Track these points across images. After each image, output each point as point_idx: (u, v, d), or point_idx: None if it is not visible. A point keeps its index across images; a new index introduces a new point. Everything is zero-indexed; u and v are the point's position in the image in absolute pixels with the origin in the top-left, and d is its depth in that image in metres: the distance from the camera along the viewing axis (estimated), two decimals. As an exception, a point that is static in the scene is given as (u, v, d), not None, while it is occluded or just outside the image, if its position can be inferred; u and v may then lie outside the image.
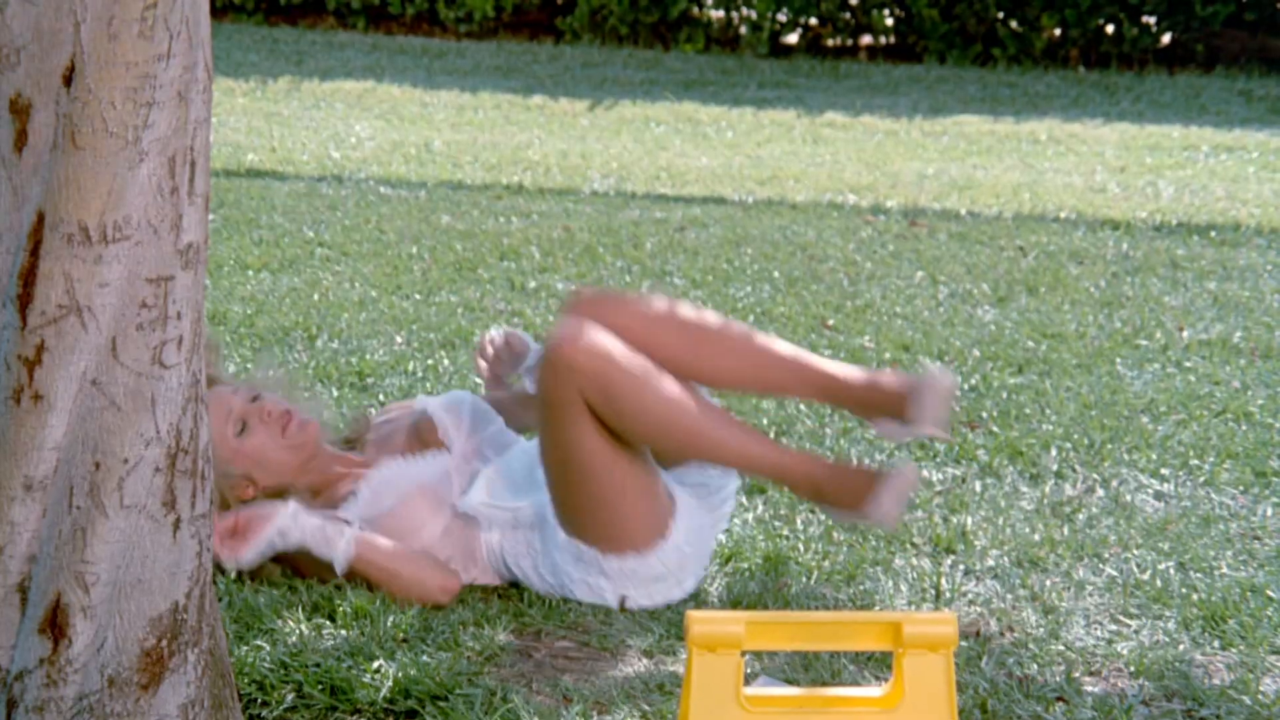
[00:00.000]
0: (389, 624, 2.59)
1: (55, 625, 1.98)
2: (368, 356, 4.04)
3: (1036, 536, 3.03)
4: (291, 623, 2.58)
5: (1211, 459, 3.46)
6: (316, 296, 4.57)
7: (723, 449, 2.64)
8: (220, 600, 2.61)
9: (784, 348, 2.72)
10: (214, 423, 2.75)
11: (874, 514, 2.63)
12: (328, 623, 2.60)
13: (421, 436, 2.87)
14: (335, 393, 3.79)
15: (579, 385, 2.59)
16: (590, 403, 2.60)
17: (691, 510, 2.75)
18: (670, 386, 2.63)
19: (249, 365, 3.95)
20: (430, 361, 4.03)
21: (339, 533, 2.69)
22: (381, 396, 3.78)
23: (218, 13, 10.67)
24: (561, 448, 2.65)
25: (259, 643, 2.49)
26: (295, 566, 2.74)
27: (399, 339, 4.21)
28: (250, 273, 4.81)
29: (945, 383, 2.66)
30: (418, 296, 4.62)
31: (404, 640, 2.56)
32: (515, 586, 2.79)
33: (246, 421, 2.79)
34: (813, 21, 9.99)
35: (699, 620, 1.82)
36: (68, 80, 1.92)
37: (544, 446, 2.68)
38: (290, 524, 2.67)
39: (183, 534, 2.04)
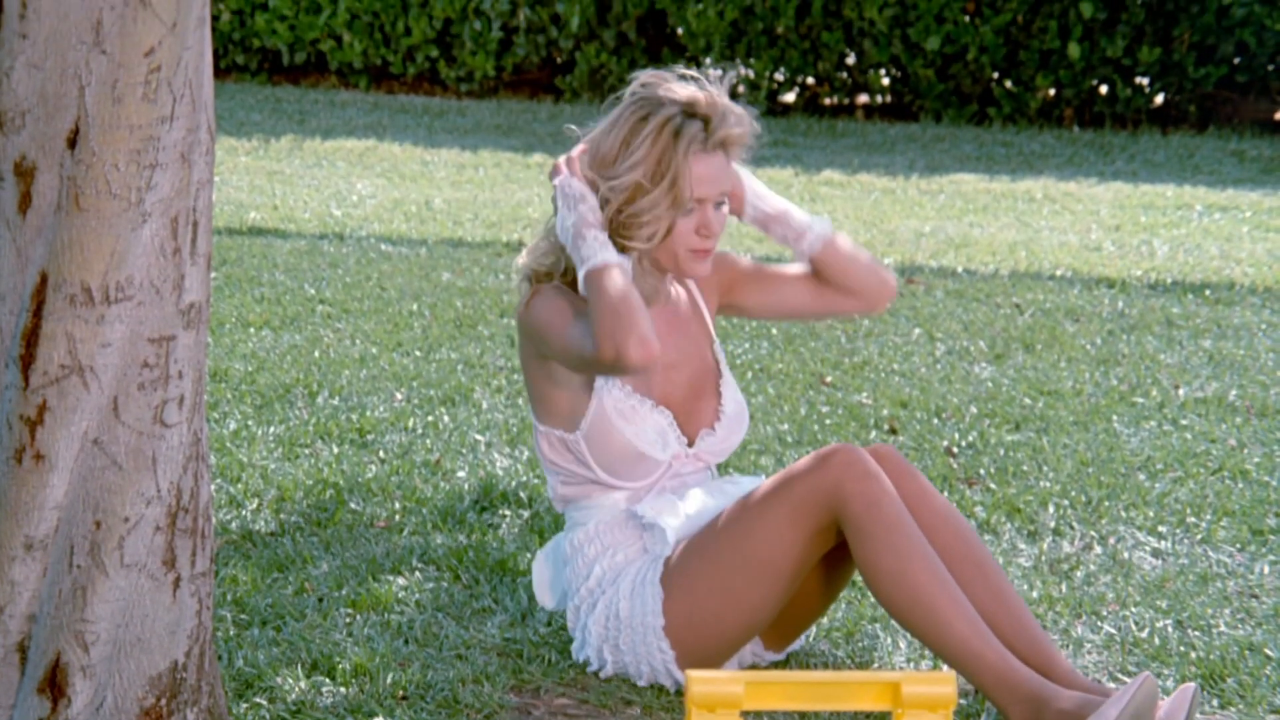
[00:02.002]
0: (388, 681, 2.59)
1: (55, 684, 1.98)
2: (368, 413, 4.05)
3: (1035, 594, 3.04)
4: (290, 680, 2.58)
5: (1208, 516, 3.47)
6: (317, 353, 4.59)
7: (949, 630, 2.46)
8: (220, 658, 2.61)
9: (1025, 613, 2.57)
10: (698, 169, 2.60)
11: None
12: (327, 680, 2.60)
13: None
14: (335, 449, 3.80)
15: (848, 491, 2.50)
16: (849, 513, 2.50)
17: None
18: (931, 551, 2.52)
19: (249, 423, 3.96)
20: (431, 418, 4.04)
21: (606, 246, 2.58)
22: (381, 453, 3.79)
23: (221, 73, 10.75)
24: (747, 524, 2.55)
25: (258, 700, 2.49)
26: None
27: (399, 396, 4.22)
28: (252, 330, 4.83)
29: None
30: (418, 353, 4.64)
31: (403, 698, 2.56)
32: (511, 641, 2.79)
33: (698, 211, 2.63)
34: (810, 80, 10.06)
35: (698, 680, 1.82)
36: (72, 143, 1.95)
37: (737, 509, 2.58)
38: (576, 188, 2.61)
39: (183, 592, 2.04)
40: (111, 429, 1.97)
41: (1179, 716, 2.38)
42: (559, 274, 2.69)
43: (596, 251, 2.58)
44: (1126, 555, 3.26)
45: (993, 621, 2.56)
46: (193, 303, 2.02)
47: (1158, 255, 6.39)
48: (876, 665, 2.76)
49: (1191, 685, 2.42)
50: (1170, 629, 2.89)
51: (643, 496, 2.70)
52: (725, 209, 2.68)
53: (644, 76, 2.69)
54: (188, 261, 2.01)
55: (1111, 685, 2.64)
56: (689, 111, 2.64)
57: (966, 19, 9.54)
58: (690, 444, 2.73)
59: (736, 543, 2.57)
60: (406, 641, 2.78)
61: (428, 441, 3.88)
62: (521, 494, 3.54)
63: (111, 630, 1.97)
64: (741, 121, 2.67)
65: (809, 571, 2.63)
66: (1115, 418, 4.16)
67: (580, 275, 2.59)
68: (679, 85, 2.67)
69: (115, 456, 1.97)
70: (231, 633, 2.76)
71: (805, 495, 2.54)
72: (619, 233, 2.64)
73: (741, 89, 9.98)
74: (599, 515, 2.70)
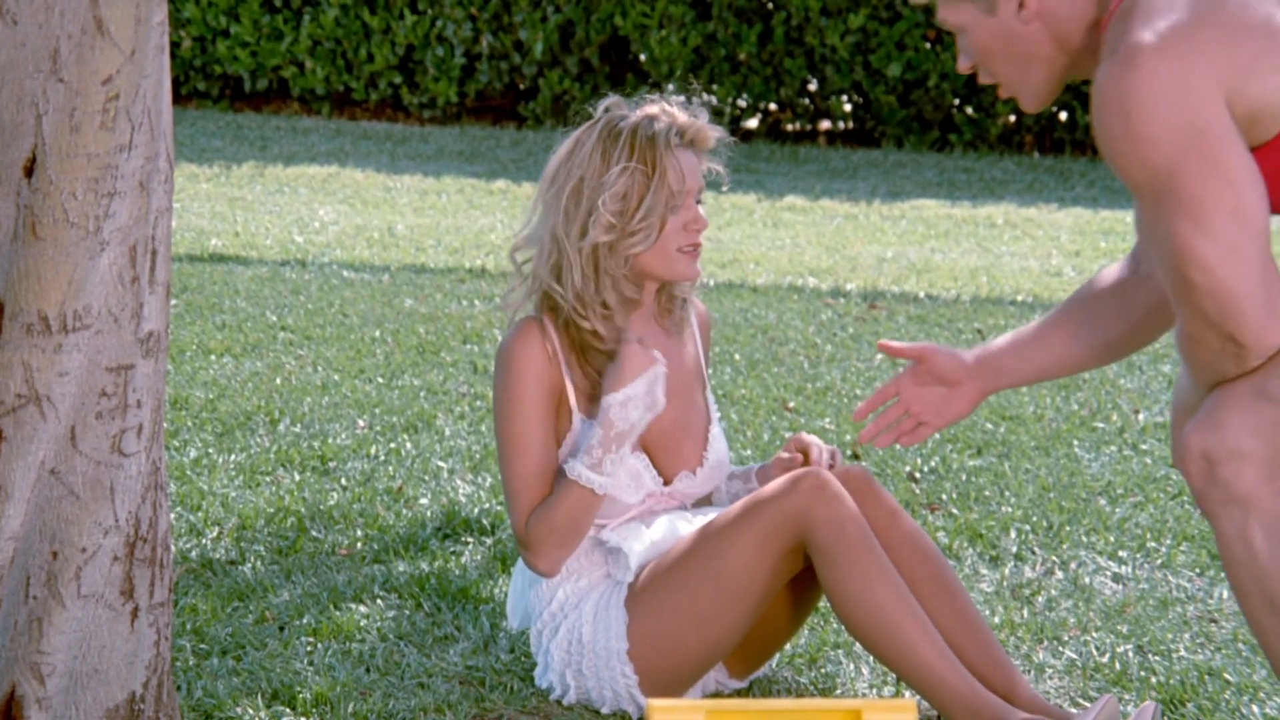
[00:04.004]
0: (350, 711, 2.58)
1: (10, 717, 1.96)
2: (330, 440, 4.03)
3: (997, 619, 3.05)
4: (251, 710, 2.56)
5: (1168, 541, 3.49)
6: (279, 381, 4.57)
7: (915, 654, 2.48)
8: (179, 689, 2.59)
9: (989, 637, 2.59)
10: (681, 160, 2.62)
11: None
12: (288, 710, 2.58)
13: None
14: (297, 477, 3.78)
15: (815, 516, 2.50)
16: (815, 538, 2.50)
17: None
18: (897, 575, 2.53)
19: (210, 450, 3.94)
20: (393, 445, 4.03)
21: (618, 463, 2.57)
22: (343, 481, 3.77)
23: (182, 100, 10.72)
24: (714, 547, 2.55)
25: (217, 732, 2.47)
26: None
27: (361, 423, 4.21)
28: (213, 357, 4.81)
29: None
30: (380, 380, 4.63)
31: (363, 728, 2.55)
32: (473, 669, 2.78)
33: (684, 208, 2.63)
34: (772, 107, 10.11)
35: (659, 709, 1.82)
36: (29, 171, 1.94)
37: (704, 533, 2.58)
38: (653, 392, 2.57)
39: (141, 623, 2.03)
40: (69, 458, 1.96)
41: None
42: (568, 307, 2.64)
43: (608, 471, 2.58)
44: (1087, 580, 3.27)
45: (957, 645, 2.57)
46: (151, 331, 2.02)
47: (1117, 280, 6.42)
48: (839, 691, 2.76)
49: (1151, 704, 2.43)
50: (1131, 654, 2.91)
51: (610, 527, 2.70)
52: (704, 210, 2.70)
53: (605, 103, 2.71)
54: (146, 290, 2.00)
55: (1073, 710, 2.65)
56: (652, 118, 2.67)
57: (928, 46, 9.61)
58: (667, 483, 2.72)
59: (703, 566, 2.57)
60: (368, 670, 2.77)
61: (390, 469, 3.86)
62: (484, 521, 3.53)
63: (68, 662, 1.96)
64: (705, 120, 2.70)
65: (774, 596, 2.63)
66: (1076, 443, 4.18)
67: (580, 471, 2.58)
68: (637, 109, 2.70)
69: (73, 486, 1.96)
70: (191, 663, 2.74)
71: (772, 519, 2.54)
72: (611, 253, 2.62)
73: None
74: None
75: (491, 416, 4.27)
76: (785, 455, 2.73)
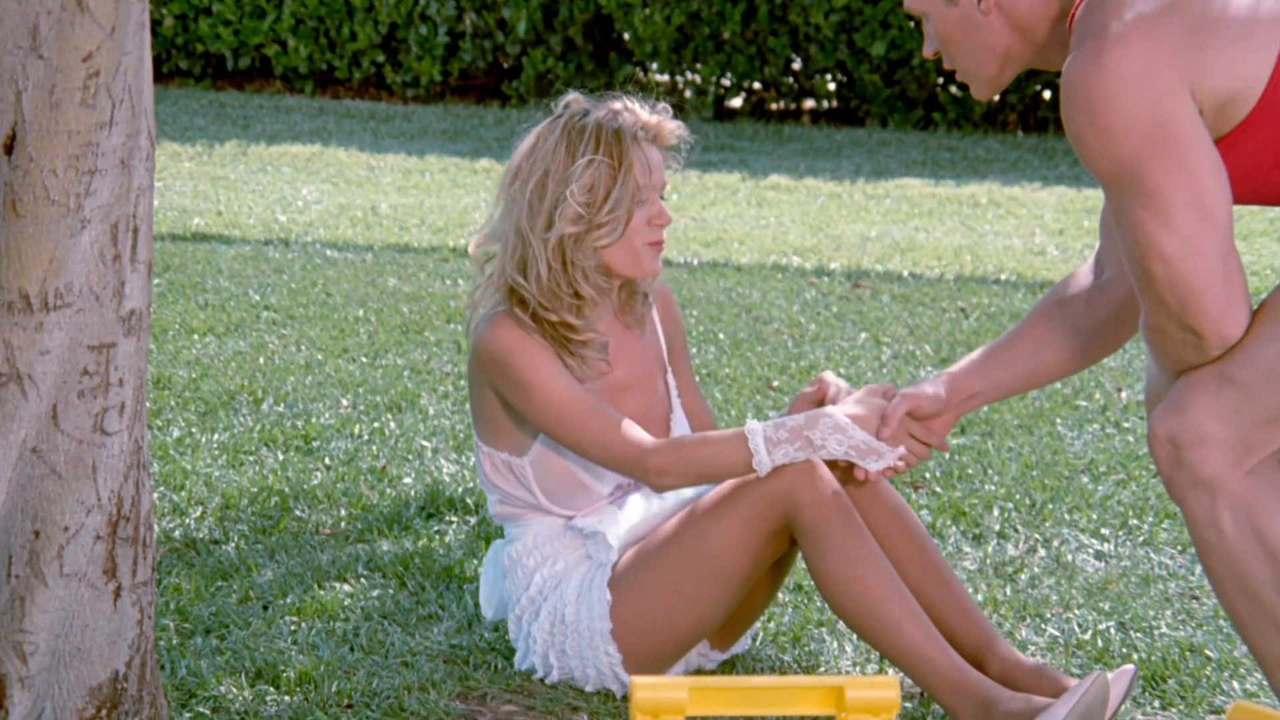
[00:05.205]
0: (333, 690, 2.58)
1: (-7, 696, 1.96)
2: (313, 420, 4.03)
3: (980, 597, 3.06)
4: (234, 689, 2.57)
5: (1150, 519, 3.50)
6: (262, 360, 4.57)
7: (901, 635, 2.48)
8: (162, 668, 2.59)
9: (975, 613, 2.61)
10: (647, 155, 2.62)
11: None
12: (271, 689, 2.59)
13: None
14: (280, 456, 3.78)
15: (800, 497, 2.51)
16: (801, 519, 2.51)
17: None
18: (883, 556, 2.53)
19: (193, 430, 3.93)
20: (377, 424, 4.03)
21: (787, 459, 2.54)
22: (327, 460, 3.77)
23: (164, 78, 10.67)
24: (700, 528, 2.55)
25: (202, 710, 2.48)
26: None
27: (345, 402, 4.20)
28: (196, 336, 4.80)
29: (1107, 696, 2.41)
30: (364, 359, 4.62)
31: (349, 706, 2.55)
32: (457, 647, 2.79)
33: (649, 202, 2.63)
34: (756, 86, 10.10)
35: (642, 686, 1.82)
36: (9, 149, 1.93)
37: (689, 514, 2.59)
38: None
39: (124, 602, 2.03)
40: (51, 437, 1.95)
41: (1116, 695, 2.42)
42: (534, 301, 2.63)
43: (776, 459, 2.54)
44: (1070, 558, 3.29)
45: (943, 623, 2.58)
46: (133, 309, 2.01)
47: (1101, 259, 6.43)
48: (823, 669, 2.77)
49: (1130, 667, 2.45)
50: (1113, 631, 2.92)
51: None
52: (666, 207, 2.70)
53: (565, 99, 2.73)
54: (128, 268, 1.99)
55: (1070, 678, 2.65)
56: (616, 113, 2.68)
57: (912, 25, 9.60)
58: None
59: (689, 547, 2.57)
60: (352, 649, 2.77)
61: (374, 448, 3.86)
62: (468, 500, 3.53)
63: (51, 640, 1.96)
64: (668, 115, 2.71)
65: (759, 576, 2.64)
66: (1059, 421, 4.20)
67: (756, 431, 2.54)
68: (598, 105, 2.72)
69: (54, 465, 1.95)
70: (174, 642, 2.74)
71: (758, 500, 2.55)
72: (578, 245, 2.62)
73: (688, 94, 10.01)
74: (537, 529, 2.71)
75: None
76: (810, 390, 2.72)
